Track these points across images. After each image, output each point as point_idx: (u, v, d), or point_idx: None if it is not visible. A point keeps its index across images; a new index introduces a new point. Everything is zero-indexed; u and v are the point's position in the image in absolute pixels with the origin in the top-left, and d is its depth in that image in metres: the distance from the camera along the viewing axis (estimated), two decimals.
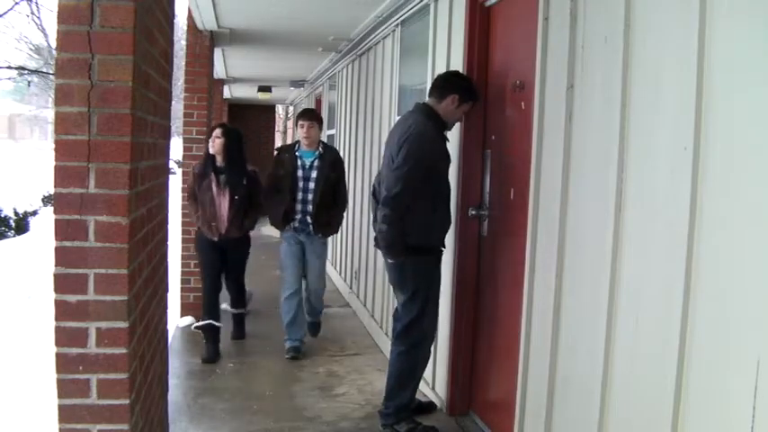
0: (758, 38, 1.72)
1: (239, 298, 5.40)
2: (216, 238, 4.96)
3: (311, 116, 5.16)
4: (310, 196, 4.99)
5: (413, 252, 3.56)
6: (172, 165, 3.02)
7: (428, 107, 3.60)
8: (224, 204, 4.93)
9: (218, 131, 4.97)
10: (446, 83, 3.61)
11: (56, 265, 1.84)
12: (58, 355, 1.86)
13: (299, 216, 5.03)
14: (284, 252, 5.13)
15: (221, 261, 5.09)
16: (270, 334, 5.53)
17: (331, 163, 5.06)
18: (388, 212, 3.44)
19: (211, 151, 4.93)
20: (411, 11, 4.94)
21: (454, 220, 3.87)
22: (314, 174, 4.99)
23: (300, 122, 5.09)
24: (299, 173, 5.01)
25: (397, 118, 5.30)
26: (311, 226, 5.02)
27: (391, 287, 3.85)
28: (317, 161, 5.02)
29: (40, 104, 27.54)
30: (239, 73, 10.56)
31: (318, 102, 10.81)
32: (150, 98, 2.14)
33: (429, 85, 3.76)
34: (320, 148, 5.10)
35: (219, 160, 4.95)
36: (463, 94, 3.57)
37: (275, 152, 5.41)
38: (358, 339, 5.69)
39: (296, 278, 5.14)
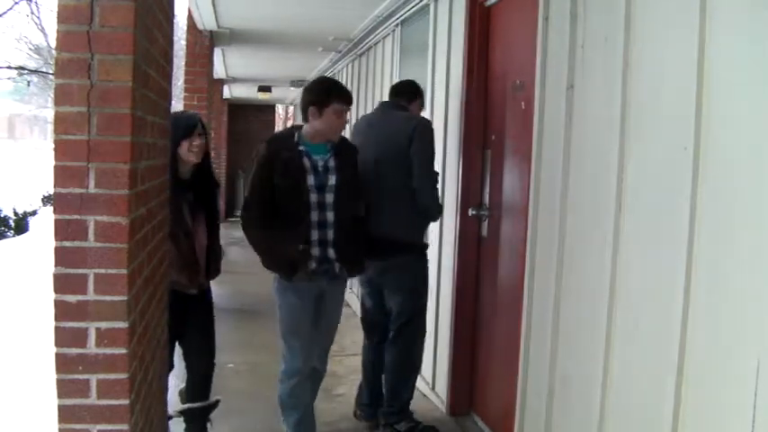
0: (758, 37, 1.72)
1: (206, 380, 3.40)
2: (195, 290, 3.25)
3: (350, 98, 3.36)
4: (330, 216, 3.19)
5: (416, 249, 3.68)
6: None
7: (403, 106, 3.73)
8: (201, 237, 3.26)
9: (200, 126, 3.25)
10: (414, 88, 3.86)
11: (56, 265, 1.84)
12: (57, 355, 1.86)
13: (317, 251, 3.19)
14: (291, 310, 3.25)
15: (181, 325, 3.20)
16: (271, 333, 5.51)
17: (351, 159, 3.34)
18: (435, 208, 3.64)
19: (192, 159, 3.17)
20: (411, 11, 4.95)
21: (454, 220, 3.88)
22: (332, 179, 3.20)
23: (337, 106, 3.19)
24: (312, 180, 3.18)
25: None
26: (336, 264, 3.23)
27: (383, 291, 3.75)
28: (332, 159, 3.23)
29: (40, 104, 27.53)
30: (239, 73, 10.57)
31: None
32: (150, 98, 2.13)
33: (401, 89, 3.93)
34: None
35: (186, 171, 3.20)
36: (422, 102, 3.90)
37: (264, 147, 3.29)
38: (358, 339, 5.69)
39: (310, 353, 3.30)
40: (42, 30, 15.78)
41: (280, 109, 19.32)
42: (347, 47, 7.20)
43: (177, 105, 7.52)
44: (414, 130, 3.49)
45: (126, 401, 1.88)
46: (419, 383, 4.41)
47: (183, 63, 6.55)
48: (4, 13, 13.53)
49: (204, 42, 6.44)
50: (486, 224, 3.73)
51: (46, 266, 1.98)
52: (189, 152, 3.18)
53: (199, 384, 3.39)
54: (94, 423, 1.87)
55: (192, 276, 3.22)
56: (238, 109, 15.22)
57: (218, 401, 3.47)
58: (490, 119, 3.71)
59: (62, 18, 1.80)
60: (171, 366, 3.28)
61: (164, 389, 2.71)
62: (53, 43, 1.99)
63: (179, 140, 3.17)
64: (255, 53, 8.39)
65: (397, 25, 5.38)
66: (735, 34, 1.81)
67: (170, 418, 3.19)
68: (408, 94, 3.79)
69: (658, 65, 2.11)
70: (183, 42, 6.85)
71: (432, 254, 4.30)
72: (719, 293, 1.80)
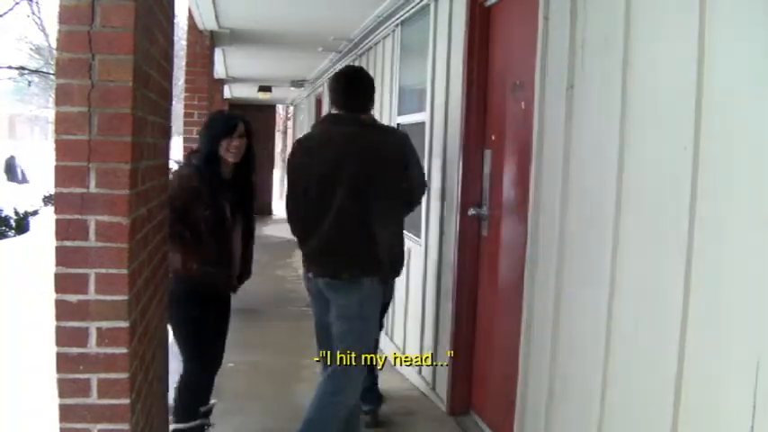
0: (758, 38, 1.72)
1: (212, 382, 3.48)
2: (233, 291, 3.41)
3: None
4: None
5: None
6: (172, 165, 2.94)
7: None
8: (237, 238, 3.32)
9: (241, 127, 3.24)
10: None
11: (56, 265, 1.84)
12: (58, 354, 1.86)
13: None
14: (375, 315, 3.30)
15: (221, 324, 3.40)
16: (272, 333, 5.52)
17: None
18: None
19: (229, 159, 3.21)
20: (411, 11, 4.95)
21: (454, 220, 3.88)
22: None
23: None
24: None
25: (397, 121, 5.31)
26: None
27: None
28: None
29: (41, 104, 27.55)
30: (239, 73, 10.57)
31: (319, 102, 10.81)
32: (150, 98, 2.14)
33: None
34: None
35: (227, 171, 3.25)
36: None
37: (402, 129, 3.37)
38: None
39: None
40: (43, 30, 15.80)
41: (280, 109, 19.33)
42: (347, 47, 7.20)
43: (177, 106, 7.52)
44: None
45: (126, 401, 1.89)
46: (419, 383, 4.42)
47: (184, 63, 6.54)
48: (5, 13, 13.53)
49: (205, 42, 6.43)
50: (486, 224, 3.73)
51: (47, 266, 1.98)
52: (227, 152, 3.21)
53: (208, 380, 3.41)
54: (95, 422, 1.88)
55: (229, 281, 3.27)
56: (239, 109, 15.22)
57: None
58: (490, 119, 3.71)
59: (63, 18, 1.80)
60: (219, 364, 3.39)
61: (164, 388, 2.71)
62: (54, 43, 2.00)
63: (218, 139, 3.22)
64: (256, 53, 8.39)
65: (397, 25, 5.38)
66: (735, 34, 1.81)
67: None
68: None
69: (658, 65, 2.11)
70: (184, 42, 6.85)
71: (432, 253, 4.31)
72: (719, 293, 1.80)
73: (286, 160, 3.32)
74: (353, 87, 3.23)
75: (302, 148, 3.29)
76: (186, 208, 3.09)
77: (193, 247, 3.11)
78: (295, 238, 3.29)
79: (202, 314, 3.19)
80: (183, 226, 3.08)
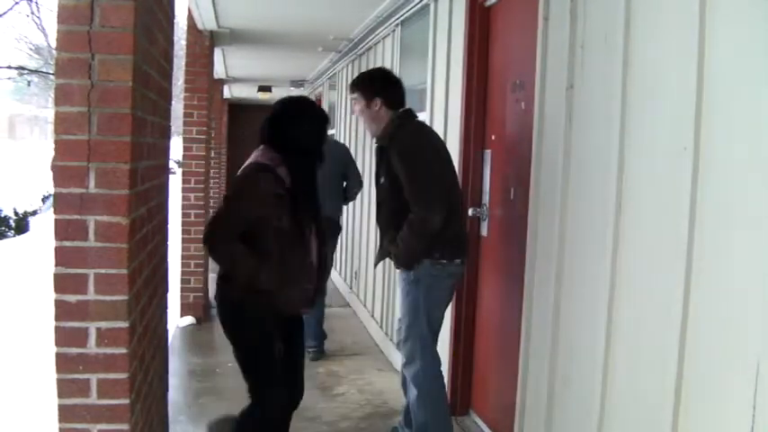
0: (758, 38, 1.72)
1: (291, 414, 2.98)
2: (308, 310, 2.95)
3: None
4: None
5: None
6: (172, 165, 2.87)
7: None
8: (314, 252, 2.84)
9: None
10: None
11: (56, 265, 1.84)
12: (58, 354, 1.86)
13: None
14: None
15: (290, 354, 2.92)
16: None
17: None
18: None
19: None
20: (411, 11, 4.95)
21: None
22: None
23: None
24: None
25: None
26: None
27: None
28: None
29: (40, 104, 27.55)
30: (239, 73, 10.56)
31: (318, 102, 10.81)
32: (150, 98, 2.14)
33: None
34: None
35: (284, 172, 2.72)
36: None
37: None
38: (358, 339, 5.69)
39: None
40: (42, 30, 15.78)
41: None
42: (347, 47, 7.20)
43: (177, 105, 7.52)
44: None
45: (126, 401, 1.89)
46: None
47: (183, 63, 6.54)
48: (5, 13, 13.54)
49: (204, 42, 6.43)
50: (486, 224, 3.73)
51: (46, 266, 1.98)
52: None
53: (285, 416, 2.93)
54: (95, 423, 1.87)
55: (307, 295, 2.83)
56: (239, 109, 15.20)
57: None
58: (490, 119, 3.71)
59: (62, 18, 1.80)
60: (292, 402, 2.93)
61: (164, 388, 2.71)
62: (53, 43, 2.00)
63: (324, 135, 2.86)
64: (256, 53, 8.38)
65: (397, 25, 5.38)
66: (734, 34, 1.81)
67: None
68: None
69: (658, 65, 2.11)
70: (183, 42, 6.84)
71: None
72: (719, 293, 1.80)
73: (430, 152, 3.22)
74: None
75: (436, 141, 3.41)
76: (264, 218, 2.65)
77: (270, 262, 2.66)
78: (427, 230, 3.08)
79: (269, 343, 2.75)
80: (258, 239, 2.65)
